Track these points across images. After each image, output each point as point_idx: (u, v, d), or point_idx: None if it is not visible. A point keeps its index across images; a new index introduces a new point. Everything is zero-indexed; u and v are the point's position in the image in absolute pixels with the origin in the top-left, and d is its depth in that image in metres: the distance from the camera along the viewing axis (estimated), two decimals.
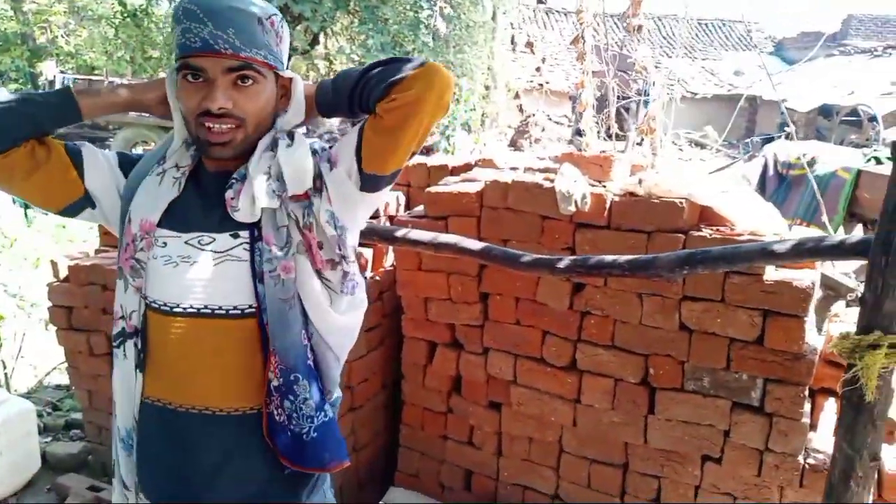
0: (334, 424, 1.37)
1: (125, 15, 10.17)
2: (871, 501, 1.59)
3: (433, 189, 2.72)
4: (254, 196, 1.24)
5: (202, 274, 1.27)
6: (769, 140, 11.76)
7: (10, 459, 3.15)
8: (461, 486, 2.90)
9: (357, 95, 1.27)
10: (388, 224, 2.95)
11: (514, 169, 2.98)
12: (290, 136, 1.31)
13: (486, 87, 13.40)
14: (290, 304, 1.28)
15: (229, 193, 1.26)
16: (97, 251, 3.44)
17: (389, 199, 3.11)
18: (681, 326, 2.29)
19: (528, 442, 2.71)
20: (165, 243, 1.29)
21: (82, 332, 3.16)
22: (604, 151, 2.95)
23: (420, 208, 2.84)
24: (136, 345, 1.32)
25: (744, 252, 1.79)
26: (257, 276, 1.27)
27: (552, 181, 2.41)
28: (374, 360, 2.99)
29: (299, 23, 8.15)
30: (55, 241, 8.35)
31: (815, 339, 2.21)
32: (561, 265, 2.12)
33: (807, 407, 2.17)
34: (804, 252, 1.68)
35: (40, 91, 1.35)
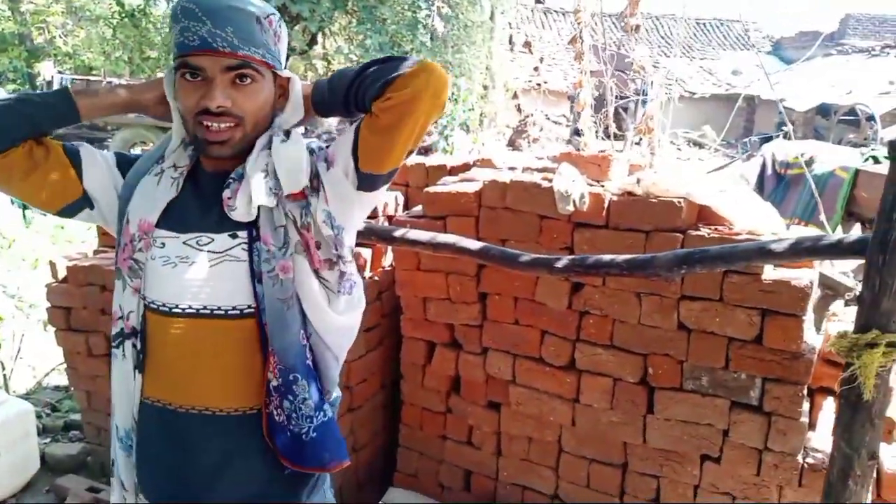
0: (334, 424, 1.37)
1: (123, 15, 10.16)
2: (869, 500, 1.59)
3: (432, 189, 2.73)
4: (251, 194, 1.24)
5: (201, 274, 1.27)
6: (767, 139, 11.77)
7: (8, 461, 3.15)
8: (460, 486, 2.90)
9: (353, 94, 1.27)
10: (386, 224, 2.95)
11: (512, 169, 2.98)
12: (287, 134, 1.31)
13: (485, 87, 13.40)
14: (288, 304, 1.28)
15: (226, 193, 1.26)
16: (96, 252, 3.44)
17: (388, 199, 3.11)
18: (679, 326, 2.29)
19: (528, 442, 2.71)
20: (164, 244, 1.29)
21: (81, 333, 3.16)
22: (602, 151, 2.95)
23: (418, 208, 2.84)
24: (134, 345, 1.32)
25: (742, 251, 1.79)
26: (256, 277, 1.27)
27: (550, 181, 2.41)
28: (372, 361, 2.99)
29: (297, 23, 8.15)
30: (53, 242, 8.34)
31: (813, 338, 2.21)
32: (559, 265, 2.12)
33: (805, 406, 2.18)
34: (802, 251, 1.69)
35: (38, 91, 1.35)
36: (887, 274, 1.43)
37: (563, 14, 21.59)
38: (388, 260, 3.07)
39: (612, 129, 3.86)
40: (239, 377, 1.30)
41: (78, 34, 17.86)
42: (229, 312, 1.28)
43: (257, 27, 1.23)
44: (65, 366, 3.41)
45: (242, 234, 1.28)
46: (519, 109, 14.83)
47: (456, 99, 8.35)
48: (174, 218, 1.30)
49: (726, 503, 2.35)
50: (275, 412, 1.30)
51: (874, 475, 1.66)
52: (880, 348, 1.43)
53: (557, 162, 2.66)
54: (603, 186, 2.44)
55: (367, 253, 2.92)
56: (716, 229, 2.22)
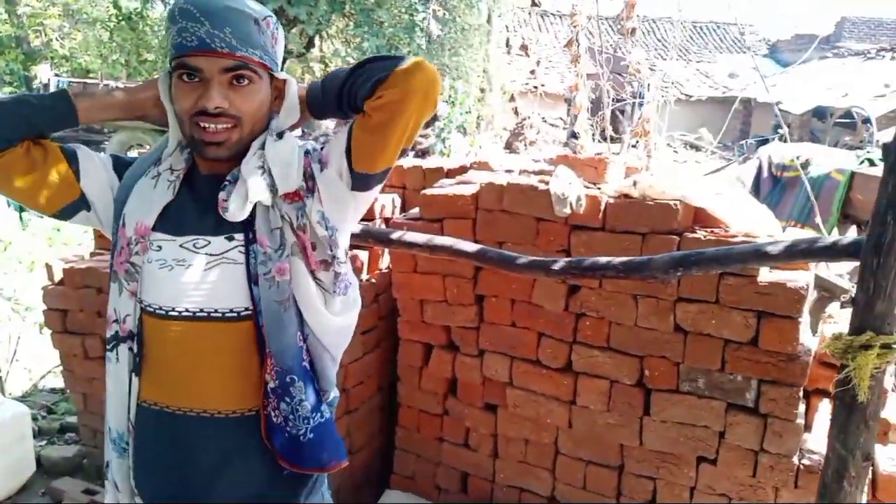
0: (332, 425, 1.37)
1: (120, 18, 10.15)
2: (864, 501, 1.60)
3: (429, 191, 2.73)
4: (246, 193, 1.24)
5: (197, 277, 1.27)
6: (764, 142, 11.79)
7: (4, 463, 3.15)
8: (457, 488, 2.90)
9: (345, 94, 1.27)
10: (383, 226, 2.95)
11: (509, 171, 2.99)
12: (280, 135, 1.32)
13: (482, 90, 13.42)
14: (285, 306, 1.28)
15: (222, 195, 1.26)
16: (92, 254, 3.44)
17: (385, 202, 3.11)
18: (675, 328, 2.29)
19: (524, 444, 2.71)
20: (160, 247, 1.29)
21: (77, 336, 3.16)
22: (599, 154, 2.96)
23: (415, 210, 2.84)
24: (130, 349, 1.33)
25: (738, 254, 1.80)
26: (252, 279, 1.27)
27: (547, 183, 2.41)
28: (369, 363, 2.99)
29: (295, 26, 8.15)
30: (50, 245, 8.33)
31: (809, 340, 2.22)
32: (556, 267, 2.13)
33: (801, 408, 2.19)
34: (797, 253, 1.69)
35: (37, 93, 1.35)
36: (881, 276, 1.43)
37: (560, 17, 21.62)
38: (384, 262, 3.07)
39: (609, 131, 3.86)
40: (237, 379, 1.31)
41: (75, 37, 17.84)
42: (226, 315, 1.28)
43: (255, 28, 1.23)
44: (61, 368, 3.40)
45: (239, 236, 1.28)
46: (516, 112, 14.84)
47: (453, 102, 8.36)
48: (170, 221, 1.30)
49: None
50: (272, 414, 1.30)
51: (869, 476, 1.66)
52: (875, 350, 1.44)
53: (554, 165, 2.67)
54: (599, 189, 2.44)
55: (363, 255, 2.92)
56: (712, 232, 2.23)
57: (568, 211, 2.33)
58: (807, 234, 4.15)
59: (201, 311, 1.27)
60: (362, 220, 2.80)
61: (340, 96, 1.29)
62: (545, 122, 13.86)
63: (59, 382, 4.77)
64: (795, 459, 2.21)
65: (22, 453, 3.26)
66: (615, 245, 2.32)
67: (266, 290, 1.26)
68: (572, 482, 2.62)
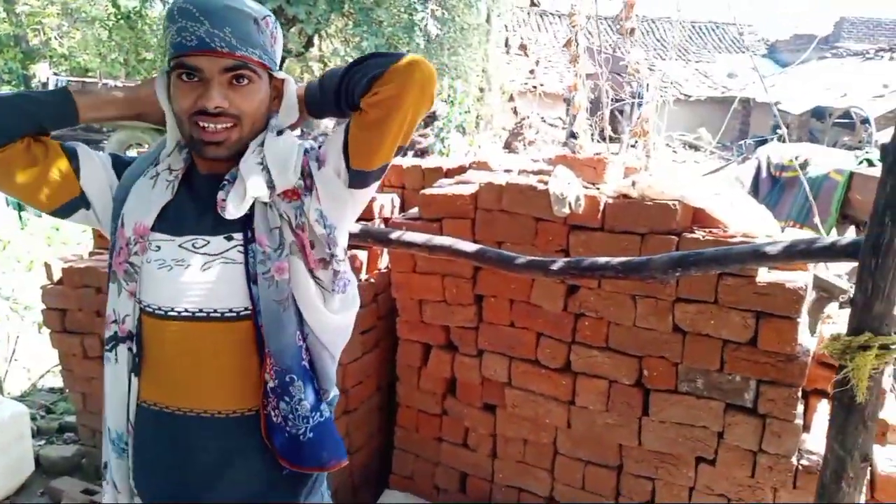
0: (331, 424, 1.37)
1: (119, 17, 10.14)
2: (862, 502, 1.60)
3: (428, 191, 2.73)
4: (245, 190, 1.24)
5: (197, 277, 1.27)
6: (762, 142, 11.79)
7: (3, 463, 3.14)
8: (456, 488, 2.90)
9: (343, 92, 1.27)
10: (382, 226, 2.95)
11: (508, 171, 2.99)
12: (280, 132, 1.32)
13: (481, 90, 13.42)
14: (284, 305, 1.28)
15: (221, 195, 1.26)
16: (91, 254, 3.44)
17: (384, 202, 3.11)
18: (674, 328, 2.30)
19: (523, 444, 2.71)
20: (159, 247, 1.29)
21: (76, 335, 3.16)
22: (598, 154, 2.96)
23: (414, 210, 2.84)
24: (130, 349, 1.32)
25: (736, 254, 1.80)
26: (251, 278, 1.27)
27: (546, 183, 2.41)
28: (368, 363, 2.99)
29: (294, 25, 8.15)
30: (49, 244, 8.33)
31: (807, 340, 2.22)
32: (555, 267, 2.13)
33: (800, 408, 2.19)
34: (796, 254, 1.70)
35: (38, 90, 1.35)
36: (880, 277, 1.44)
37: (559, 17, 21.63)
38: (383, 262, 3.07)
39: (608, 131, 3.87)
40: (236, 379, 1.31)
41: (73, 36, 17.83)
42: (225, 315, 1.28)
43: (254, 28, 1.23)
44: (60, 368, 3.40)
45: (238, 236, 1.28)
46: (515, 112, 14.85)
47: (452, 101, 8.36)
48: (169, 221, 1.30)
49: None
50: (272, 413, 1.30)
51: (867, 477, 1.67)
52: (873, 351, 1.44)
53: (553, 165, 2.67)
54: (598, 189, 2.44)
55: (363, 255, 2.92)
56: (710, 232, 2.23)
57: (567, 211, 2.33)
58: (805, 234, 4.16)
59: (200, 311, 1.27)
60: (361, 219, 2.82)
61: (338, 94, 1.29)
62: (544, 121, 13.86)
63: (57, 382, 4.77)
64: (794, 460, 2.21)
65: (21, 453, 3.26)
66: (614, 245, 2.32)
67: (265, 290, 1.26)
68: (571, 482, 2.62)
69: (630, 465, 2.50)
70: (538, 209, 2.44)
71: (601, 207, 2.35)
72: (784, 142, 7.47)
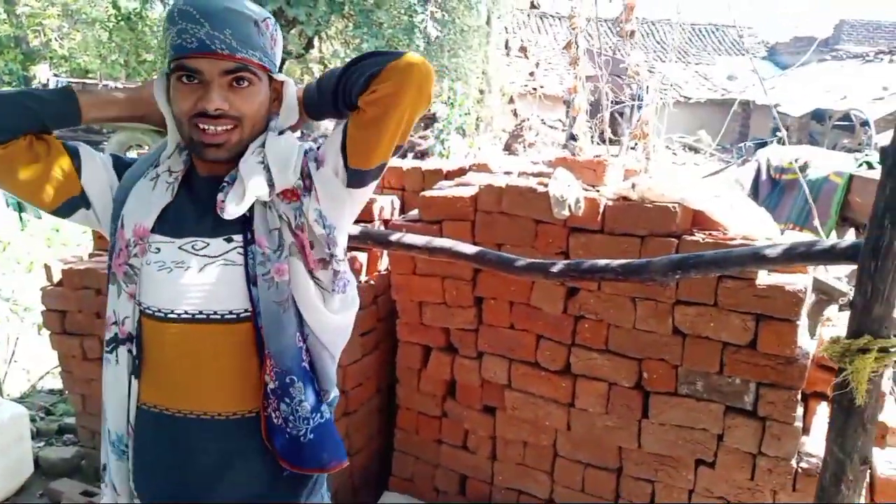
0: (332, 425, 1.38)
1: (119, 18, 10.15)
2: None
3: (428, 193, 2.73)
4: (244, 190, 1.24)
5: (197, 279, 1.27)
6: (762, 144, 11.81)
7: (2, 464, 3.14)
8: (455, 490, 2.90)
9: (340, 91, 1.28)
10: (382, 228, 2.96)
11: (508, 173, 2.99)
12: (281, 133, 1.33)
13: (481, 92, 13.44)
14: (284, 306, 1.28)
15: (220, 196, 1.26)
16: (91, 255, 3.44)
17: (384, 203, 3.12)
18: (674, 330, 2.30)
19: (523, 446, 2.71)
20: (159, 249, 1.29)
21: (76, 337, 3.16)
22: (597, 156, 2.96)
23: (414, 212, 2.84)
24: (130, 351, 1.32)
25: (736, 257, 1.80)
26: (251, 280, 1.27)
27: (546, 186, 2.42)
28: (368, 365, 2.99)
29: (294, 27, 8.16)
30: (49, 245, 8.33)
31: (807, 343, 2.22)
32: (555, 269, 2.13)
33: (799, 411, 2.19)
34: (795, 257, 1.70)
35: (42, 88, 1.35)
36: (879, 280, 1.44)
37: (559, 19, 21.64)
38: (383, 264, 3.07)
39: (608, 133, 3.87)
40: (236, 381, 1.31)
41: (74, 37, 17.84)
42: (225, 317, 1.28)
43: (255, 30, 1.23)
44: (59, 369, 3.40)
45: (238, 238, 1.28)
46: (515, 114, 14.85)
47: (452, 103, 8.37)
48: (169, 223, 1.30)
49: None
50: (272, 415, 1.30)
51: (867, 479, 1.67)
52: (872, 354, 1.44)
53: (553, 167, 2.67)
54: (598, 191, 2.45)
55: (362, 257, 2.92)
56: (710, 234, 2.23)
57: (567, 213, 2.34)
58: (805, 236, 4.15)
59: (200, 313, 1.27)
60: (361, 221, 2.82)
61: (335, 93, 1.29)
62: (544, 123, 13.86)
63: (57, 383, 4.77)
64: (794, 462, 2.21)
65: (20, 454, 3.26)
66: (614, 247, 2.32)
67: (265, 291, 1.26)
68: (571, 484, 2.62)
69: (630, 467, 2.50)
70: (538, 211, 2.45)
71: (601, 210, 2.35)
72: (784, 144, 7.48)
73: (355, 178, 1.29)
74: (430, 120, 8.00)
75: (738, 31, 23.22)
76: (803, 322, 2.19)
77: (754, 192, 6.40)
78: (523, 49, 19.01)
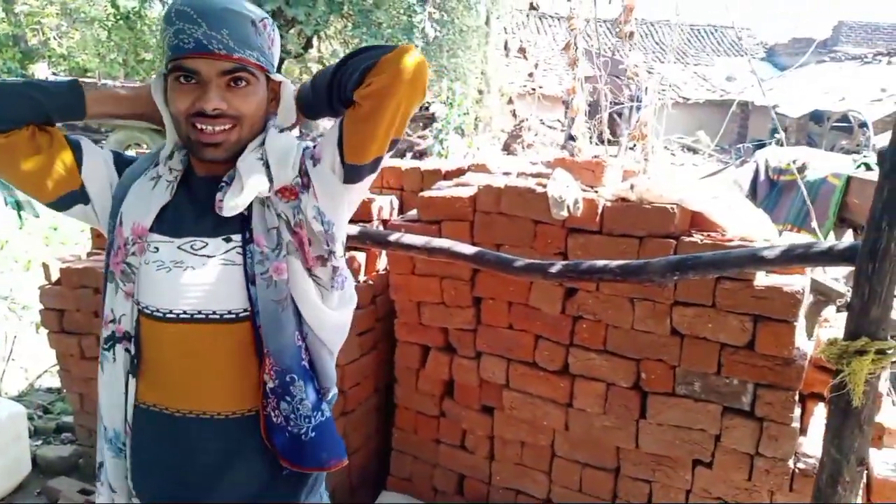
0: (332, 423, 1.38)
1: (118, 17, 10.14)
2: None
3: (427, 193, 2.73)
4: (242, 187, 1.24)
5: (196, 279, 1.27)
6: (761, 145, 11.82)
7: (0, 463, 3.14)
8: (453, 489, 2.90)
9: (336, 87, 1.27)
10: (381, 228, 2.96)
11: (506, 174, 2.99)
12: (280, 131, 1.33)
13: (480, 92, 13.44)
14: (282, 305, 1.28)
15: (219, 196, 1.26)
16: (89, 254, 3.44)
17: (383, 203, 3.12)
18: (672, 331, 2.30)
19: (521, 446, 2.71)
20: (157, 248, 1.29)
21: (74, 336, 3.16)
22: (596, 156, 2.96)
23: (413, 212, 2.85)
24: (127, 350, 1.32)
25: (734, 258, 1.81)
26: (250, 279, 1.27)
27: (545, 186, 2.42)
28: (366, 364, 3.00)
29: (293, 26, 8.15)
30: (47, 244, 8.32)
31: (805, 344, 2.22)
32: (553, 270, 2.14)
33: (797, 411, 2.19)
34: (793, 258, 1.70)
35: (48, 80, 1.35)
36: (876, 282, 1.44)
37: (558, 19, 21.65)
38: (382, 264, 3.07)
39: (607, 134, 3.87)
40: (235, 380, 1.31)
41: (72, 36, 17.80)
42: (224, 317, 1.28)
43: (252, 30, 1.23)
44: (57, 368, 3.40)
45: (236, 237, 1.28)
46: (514, 114, 14.86)
47: (451, 103, 8.37)
48: (168, 222, 1.30)
49: None
50: (272, 414, 1.30)
51: (864, 480, 1.67)
52: (869, 355, 1.45)
53: (552, 167, 2.67)
54: (597, 192, 2.45)
55: (361, 257, 2.92)
56: (708, 235, 2.23)
57: (565, 214, 2.34)
58: (803, 238, 4.16)
59: (199, 312, 1.27)
60: (360, 221, 2.82)
61: (331, 90, 1.29)
62: (543, 124, 13.88)
63: (55, 382, 4.77)
64: (791, 463, 2.21)
65: (18, 453, 3.26)
66: (612, 248, 2.33)
67: (263, 290, 1.27)
68: (568, 484, 2.63)
69: (627, 467, 2.50)
70: (537, 212, 2.45)
71: (599, 210, 2.36)
72: (782, 145, 7.49)
73: (351, 174, 1.29)
74: (428, 120, 8.01)
75: (736, 32, 23.24)
76: (801, 323, 2.19)
77: (752, 193, 6.41)
78: (522, 50, 19.01)
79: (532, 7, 22.92)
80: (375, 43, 8.23)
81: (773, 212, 5.70)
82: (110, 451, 1.38)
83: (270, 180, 1.26)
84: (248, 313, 1.28)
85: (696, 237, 2.23)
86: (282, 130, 1.33)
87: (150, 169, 1.36)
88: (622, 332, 2.39)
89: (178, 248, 1.28)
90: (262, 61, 1.26)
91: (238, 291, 1.28)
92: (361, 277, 2.94)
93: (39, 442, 3.72)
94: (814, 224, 4.25)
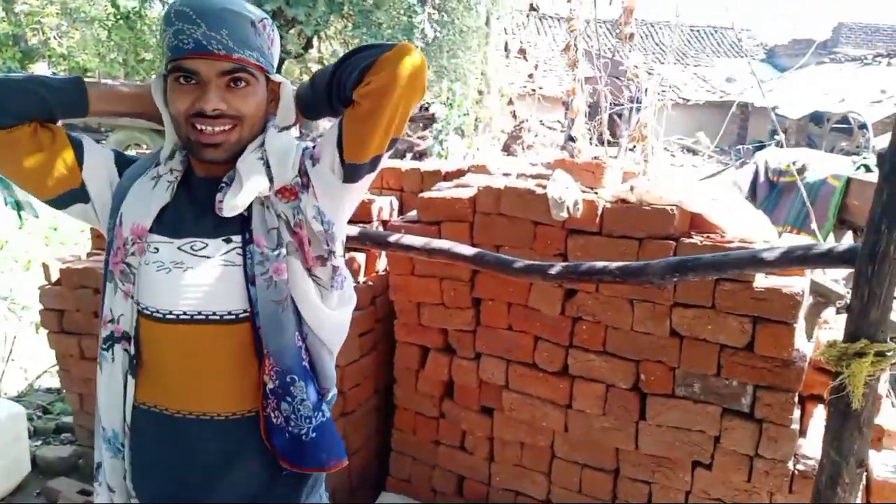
0: (332, 424, 1.38)
1: (118, 17, 10.15)
2: None
3: (426, 194, 2.73)
4: (242, 186, 1.24)
5: (196, 280, 1.27)
6: (760, 147, 11.83)
7: None
8: (453, 491, 2.90)
9: (335, 86, 1.28)
10: (381, 229, 2.96)
11: (506, 175, 2.99)
12: (279, 131, 1.33)
13: (480, 92, 13.44)
14: (282, 305, 1.28)
15: (219, 196, 1.26)
16: (89, 254, 3.43)
17: (383, 204, 3.12)
18: (672, 333, 2.30)
19: (520, 447, 2.71)
20: (157, 249, 1.29)
21: (73, 336, 3.16)
22: (596, 158, 2.96)
23: (413, 213, 2.85)
24: (126, 350, 1.32)
25: (734, 259, 1.81)
26: (250, 280, 1.27)
27: (544, 187, 2.42)
28: (366, 365, 3.00)
29: (293, 26, 8.16)
30: (46, 244, 8.31)
31: (804, 345, 2.22)
32: (553, 271, 2.14)
33: (796, 413, 2.19)
34: (793, 260, 1.71)
35: (51, 76, 1.35)
36: (876, 284, 1.44)
37: (558, 20, 21.65)
38: (382, 265, 3.07)
39: (606, 135, 3.88)
40: (235, 381, 1.31)
41: (72, 36, 17.80)
42: (224, 318, 1.28)
43: (252, 30, 1.23)
44: (57, 368, 3.40)
45: (236, 238, 1.28)
46: (514, 115, 14.85)
47: (451, 104, 8.37)
48: (168, 223, 1.30)
49: None
50: (272, 414, 1.30)
51: (863, 482, 1.67)
52: (869, 358, 1.45)
53: (552, 169, 2.67)
54: (597, 193, 2.45)
55: (361, 258, 2.92)
56: (708, 237, 2.23)
57: (565, 215, 2.34)
58: (803, 239, 4.16)
59: (199, 313, 1.27)
60: (360, 222, 2.82)
61: (330, 89, 1.29)
62: (543, 125, 13.88)
63: (55, 382, 4.76)
64: (790, 465, 2.21)
65: (17, 453, 3.26)
66: (612, 249, 2.33)
67: (263, 291, 1.27)
68: (568, 486, 2.63)
69: (627, 468, 2.51)
70: (536, 213, 2.45)
71: (599, 212, 2.36)
72: (782, 147, 7.49)
73: (351, 173, 1.29)
74: (428, 120, 8.01)
75: (736, 34, 23.26)
76: (800, 325, 2.19)
77: (752, 195, 6.41)
78: (522, 50, 19.00)
79: (532, 8, 22.90)
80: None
81: (773, 213, 5.70)
82: (108, 452, 1.38)
83: (271, 180, 1.27)
84: (247, 314, 1.28)
85: (696, 239, 2.23)
86: (281, 130, 1.33)
87: (150, 169, 1.36)
88: (622, 333, 2.39)
89: (178, 248, 1.28)
90: (261, 62, 1.26)
91: (238, 292, 1.28)
92: (361, 278, 2.94)
93: (39, 442, 3.72)
94: (813, 226, 4.25)
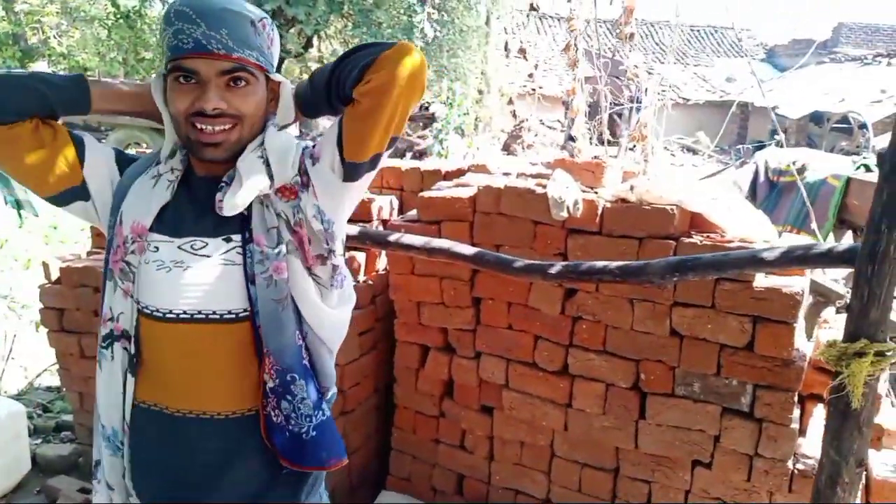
0: (332, 422, 1.38)
1: (118, 16, 10.15)
2: None
3: (426, 194, 2.73)
4: (241, 185, 1.24)
5: (196, 279, 1.27)
6: (760, 146, 11.83)
7: (0, 462, 3.15)
8: (453, 489, 2.90)
9: (334, 84, 1.28)
10: (381, 228, 2.96)
11: (506, 174, 2.99)
12: (278, 129, 1.33)
13: (480, 92, 13.45)
14: (282, 304, 1.28)
15: (219, 196, 1.26)
16: (89, 253, 3.43)
17: (383, 204, 3.12)
18: (672, 332, 2.30)
19: (520, 446, 2.72)
20: (157, 248, 1.29)
21: (73, 334, 3.16)
22: (596, 157, 2.96)
23: (413, 213, 2.85)
24: (125, 348, 1.32)
25: (734, 259, 1.81)
26: (250, 279, 1.27)
27: (544, 187, 2.42)
28: (366, 364, 3.00)
29: (293, 26, 8.16)
30: (46, 243, 8.31)
31: (804, 345, 2.23)
32: (553, 270, 2.14)
33: (796, 413, 2.19)
34: (793, 260, 1.71)
35: (53, 73, 1.35)
36: (876, 284, 1.45)
37: (558, 20, 21.65)
38: (381, 264, 3.07)
39: (606, 135, 3.87)
40: (235, 380, 1.31)
41: (72, 35, 17.78)
42: (224, 317, 1.28)
43: (251, 30, 1.23)
44: (57, 367, 3.40)
45: (236, 237, 1.29)
46: (514, 114, 14.85)
47: (451, 103, 8.38)
48: (168, 222, 1.30)
49: None
50: (272, 413, 1.30)
51: (863, 481, 1.67)
52: (868, 357, 1.45)
53: (552, 168, 2.67)
54: (597, 193, 2.45)
55: (361, 257, 2.92)
56: (708, 237, 2.24)
57: (565, 214, 2.34)
58: (803, 239, 4.16)
59: (199, 312, 1.27)
60: (360, 221, 2.82)
61: (329, 88, 1.29)
62: (543, 124, 13.88)
63: (54, 381, 4.77)
64: (790, 464, 2.22)
65: (17, 452, 3.26)
66: (612, 249, 2.33)
67: (263, 290, 1.27)
68: (568, 485, 2.63)
69: (626, 468, 2.51)
70: (536, 213, 2.45)
71: (599, 211, 2.36)
72: (782, 146, 7.49)
73: (351, 171, 1.29)
74: (428, 120, 8.01)
75: (736, 33, 23.26)
76: (800, 324, 2.19)
77: (752, 195, 6.41)
78: (522, 50, 18.99)
79: (532, 8, 22.91)
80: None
81: (773, 213, 5.70)
82: (108, 450, 1.38)
83: (271, 178, 1.27)
84: (247, 313, 1.29)
85: (696, 238, 2.23)
86: (280, 129, 1.33)
87: (150, 168, 1.36)
88: (622, 332, 2.39)
89: (178, 247, 1.28)
90: (261, 61, 1.26)
91: (238, 291, 1.28)
92: (361, 277, 2.94)
93: (39, 440, 3.72)
94: (813, 225, 4.25)
